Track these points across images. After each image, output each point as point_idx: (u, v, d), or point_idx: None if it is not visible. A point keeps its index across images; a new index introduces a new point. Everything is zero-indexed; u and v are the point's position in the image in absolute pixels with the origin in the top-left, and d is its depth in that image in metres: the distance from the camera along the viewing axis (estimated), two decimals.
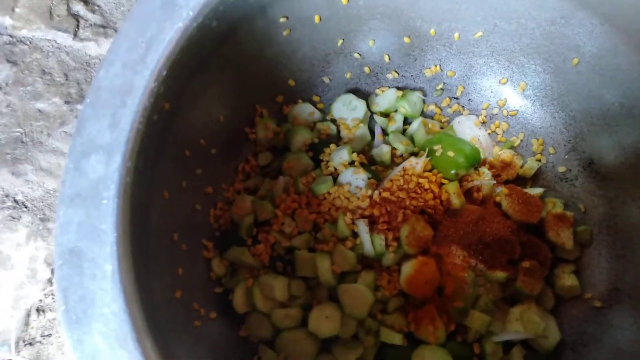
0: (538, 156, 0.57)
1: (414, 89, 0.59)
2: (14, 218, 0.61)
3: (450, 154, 0.52)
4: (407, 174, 0.51)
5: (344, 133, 0.57)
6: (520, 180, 0.57)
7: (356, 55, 0.57)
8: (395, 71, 0.59)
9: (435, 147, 0.53)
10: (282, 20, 0.50)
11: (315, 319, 0.48)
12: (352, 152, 0.54)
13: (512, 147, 0.57)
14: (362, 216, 0.50)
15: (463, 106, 0.59)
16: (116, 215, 0.31)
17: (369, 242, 0.49)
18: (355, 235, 0.50)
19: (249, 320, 0.51)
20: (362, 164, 0.54)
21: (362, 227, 0.49)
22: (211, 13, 0.36)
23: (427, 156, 0.53)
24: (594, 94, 0.51)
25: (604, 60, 0.48)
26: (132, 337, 0.29)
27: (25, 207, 0.62)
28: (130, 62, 0.33)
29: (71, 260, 0.30)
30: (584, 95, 0.52)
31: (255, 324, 0.50)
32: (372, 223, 0.50)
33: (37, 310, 0.60)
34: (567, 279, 0.52)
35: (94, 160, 0.32)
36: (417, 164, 0.52)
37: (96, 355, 0.29)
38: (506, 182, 0.56)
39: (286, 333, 0.49)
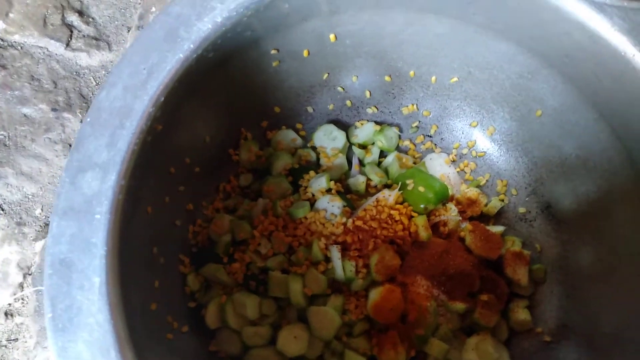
0: (501, 196, 0.61)
1: (391, 125, 0.63)
2: None
3: (421, 189, 0.56)
4: (380, 205, 0.54)
5: (323, 161, 0.60)
6: (484, 218, 0.61)
7: (340, 88, 0.61)
8: (375, 106, 0.62)
9: (408, 182, 0.56)
10: (273, 52, 0.53)
11: (284, 338, 0.50)
12: (330, 180, 0.57)
13: (478, 186, 0.61)
14: (336, 242, 0.53)
15: (435, 144, 0.63)
16: (107, 230, 0.33)
17: (340, 267, 0.52)
18: (327, 260, 0.53)
19: (220, 336, 0.52)
20: (338, 192, 0.57)
21: (335, 252, 0.52)
22: (210, 45, 0.39)
23: (399, 189, 0.56)
24: (554, 144, 0.55)
25: (564, 114, 0.53)
26: (115, 348, 0.31)
27: (2, 210, 0.62)
28: (131, 86, 0.35)
29: (61, 271, 0.31)
30: (545, 144, 0.56)
31: (226, 340, 0.52)
32: (344, 249, 0.53)
33: (6, 313, 0.60)
34: (521, 314, 0.55)
35: (90, 177, 0.33)
36: (389, 196, 0.55)
37: None
38: (470, 219, 0.60)
39: (255, 350, 0.51)
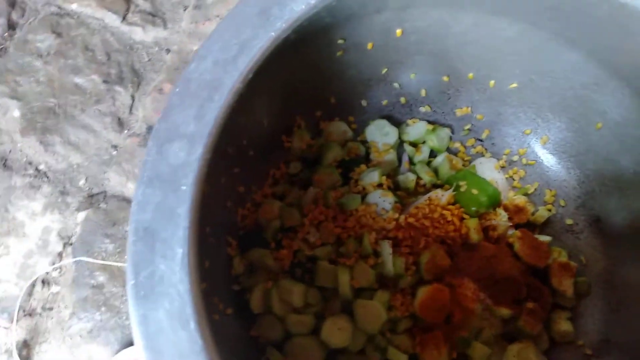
0: (549, 206, 0.60)
1: (443, 125, 0.63)
2: (33, 187, 0.61)
3: (474, 191, 0.55)
4: (433, 204, 0.54)
5: (374, 156, 0.60)
6: (529, 227, 0.60)
7: (396, 85, 0.60)
8: (429, 106, 0.62)
9: (461, 183, 0.56)
10: (340, 41, 0.53)
11: (328, 329, 0.50)
12: (382, 175, 0.57)
13: (526, 194, 0.61)
14: (387, 237, 0.53)
15: (486, 149, 0.63)
16: (191, 201, 0.32)
17: (391, 262, 0.51)
18: (376, 254, 0.52)
19: (262, 321, 0.52)
20: (389, 188, 0.57)
21: (386, 247, 0.52)
22: (298, 27, 0.39)
23: (452, 190, 0.56)
24: (611, 158, 0.55)
25: (627, 129, 0.52)
26: (194, 319, 0.30)
27: (47, 177, 0.62)
28: (222, 60, 0.35)
29: (145, 238, 0.31)
30: (602, 158, 0.56)
31: (268, 325, 0.52)
32: (395, 245, 0.53)
33: (43, 282, 0.59)
34: (563, 324, 0.55)
35: (177, 147, 0.33)
36: (442, 196, 0.55)
37: (159, 332, 0.30)
38: (516, 227, 0.59)
39: (297, 338, 0.51)
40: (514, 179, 0.62)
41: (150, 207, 0.32)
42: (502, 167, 0.62)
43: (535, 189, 0.61)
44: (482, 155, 0.63)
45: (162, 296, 0.31)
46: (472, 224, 0.54)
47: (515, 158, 0.62)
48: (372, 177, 0.56)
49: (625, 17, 0.42)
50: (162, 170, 0.33)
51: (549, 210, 0.60)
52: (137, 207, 0.32)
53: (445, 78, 0.60)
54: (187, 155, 0.33)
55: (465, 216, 0.55)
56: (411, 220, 0.53)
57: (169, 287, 0.31)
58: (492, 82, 0.59)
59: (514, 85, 0.58)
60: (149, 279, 0.31)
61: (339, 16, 0.47)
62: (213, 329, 0.46)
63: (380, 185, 0.56)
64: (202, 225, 0.48)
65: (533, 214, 0.60)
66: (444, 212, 0.54)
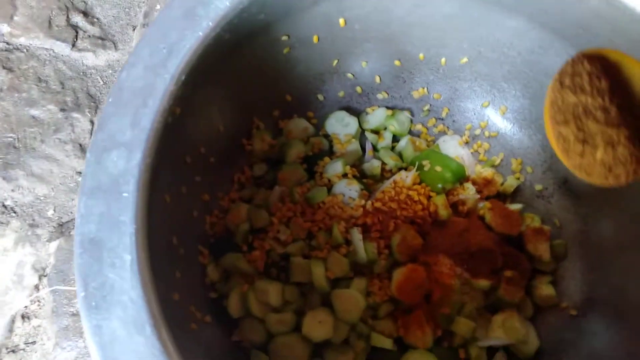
0: (517, 175, 0.61)
1: (402, 109, 0.63)
2: (2, 223, 0.61)
3: (438, 169, 0.55)
4: (398, 186, 0.54)
5: (337, 147, 0.60)
6: (500, 197, 0.60)
7: (349, 75, 0.61)
8: (386, 92, 0.62)
9: (424, 162, 0.56)
10: (283, 38, 0.53)
11: (308, 324, 0.50)
12: (346, 165, 0.57)
13: (493, 166, 0.61)
14: (356, 225, 0.53)
15: (448, 126, 0.63)
16: (135, 207, 0.32)
17: (362, 249, 0.51)
18: (348, 243, 0.52)
19: (243, 325, 0.52)
20: (354, 176, 0.57)
21: (356, 234, 0.51)
22: (226, 25, 0.39)
23: (416, 170, 0.56)
24: None
25: None
26: (150, 323, 0.30)
27: (14, 212, 0.62)
28: (152, 65, 0.35)
29: (91, 249, 0.31)
30: None
31: (249, 328, 0.51)
32: (365, 231, 0.52)
33: (22, 316, 0.59)
34: (545, 289, 0.55)
35: (115, 156, 0.33)
36: (407, 177, 0.55)
37: (114, 340, 0.30)
38: (487, 198, 0.59)
39: (279, 338, 0.51)
40: (479, 153, 0.62)
41: (94, 218, 0.32)
42: (466, 143, 0.62)
43: (501, 160, 0.62)
44: (445, 133, 0.63)
45: (114, 305, 0.30)
46: (440, 200, 0.54)
47: (478, 132, 0.62)
48: (336, 167, 0.56)
49: None
50: (102, 180, 0.33)
51: (518, 178, 0.61)
52: (81, 219, 0.32)
53: (397, 62, 0.60)
54: (126, 163, 0.33)
55: (432, 194, 0.55)
56: (378, 204, 0.53)
57: (121, 295, 0.31)
58: (443, 60, 0.59)
59: (465, 60, 0.59)
60: (99, 289, 0.30)
61: (276, 12, 0.48)
62: (190, 339, 0.46)
63: (345, 175, 0.56)
64: (166, 236, 0.47)
65: (502, 184, 0.60)
66: (410, 192, 0.54)
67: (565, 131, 0.38)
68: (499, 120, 0.61)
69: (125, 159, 0.33)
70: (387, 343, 0.50)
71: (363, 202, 0.53)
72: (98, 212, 0.32)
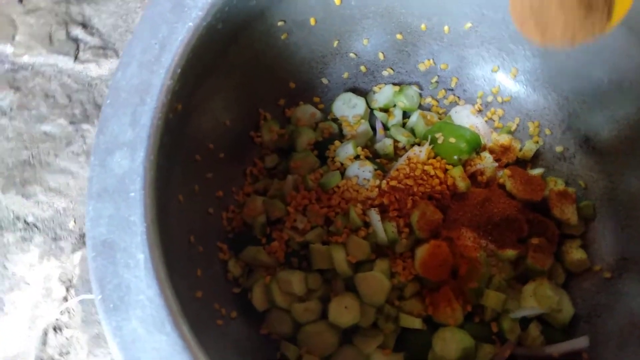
0: (535, 138, 0.58)
1: (410, 84, 0.61)
2: (25, 239, 0.62)
3: (452, 140, 0.54)
4: (412, 163, 0.53)
5: (347, 130, 0.59)
6: (520, 163, 0.58)
7: (352, 55, 0.59)
8: (391, 68, 0.61)
9: (437, 135, 0.55)
10: (279, 24, 0.52)
11: (335, 310, 0.49)
12: (357, 146, 0.56)
13: (509, 132, 0.59)
14: (372, 206, 0.51)
15: (459, 97, 0.61)
16: (144, 206, 0.32)
17: (382, 229, 0.50)
18: (367, 225, 0.51)
19: (269, 317, 0.51)
20: (367, 157, 0.55)
21: (374, 216, 0.50)
22: (218, 14, 0.38)
23: (429, 144, 0.54)
24: (583, 73, 0.53)
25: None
26: (169, 321, 0.30)
27: (37, 227, 0.62)
28: (146, 62, 0.35)
29: (104, 252, 0.31)
30: (574, 75, 0.54)
31: (276, 320, 0.51)
32: (383, 212, 0.51)
33: (54, 328, 0.60)
34: (576, 253, 0.53)
35: (119, 157, 0.33)
36: (420, 152, 0.53)
37: (135, 340, 0.29)
38: (506, 166, 0.58)
39: (307, 327, 0.50)
40: (493, 120, 0.60)
41: (103, 220, 0.32)
42: (479, 111, 0.60)
43: (517, 125, 0.60)
44: (456, 104, 0.61)
45: (132, 305, 0.30)
46: (457, 172, 0.53)
47: (490, 99, 0.60)
48: (347, 150, 0.55)
49: None
50: (108, 182, 0.32)
51: (536, 142, 0.59)
52: (91, 223, 0.32)
53: (399, 36, 0.59)
54: (131, 162, 0.33)
55: (448, 167, 0.54)
56: (394, 183, 0.52)
57: (138, 295, 0.30)
58: (446, 28, 0.58)
59: (469, 25, 0.57)
60: (116, 291, 0.30)
61: None
62: (217, 335, 0.46)
63: (357, 157, 0.55)
64: (183, 236, 0.47)
65: (521, 149, 0.58)
66: (426, 167, 0.53)
67: None
68: (510, 84, 0.59)
69: (129, 159, 0.33)
70: (416, 323, 0.49)
71: (378, 182, 0.52)
72: (107, 214, 0.32)
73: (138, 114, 0.34)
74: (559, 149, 0.58)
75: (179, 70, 0.36)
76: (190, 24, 0.36)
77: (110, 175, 0.32)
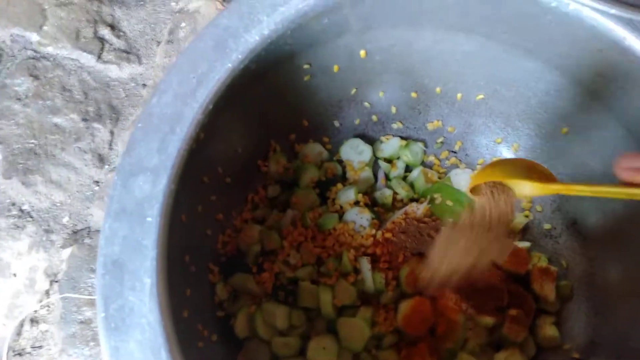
0: (526, 212, 0.61)
1: (416, 140, 0.64)
2: (17, 227, 0.62)
3: (449, 203, 0.56)
4: (409, 218, 0.55)
5: (350, 174, 0.61)
6: (509, 233, 0.61)
7: (366, 104, 0.62)
8: (401, 122, 0.63)
9: (435, 196, 0.57)
10: (305, 66, 0.54)
11: (313, 349, 0.50)
12: (358, 192, 0.58)
13: None
14: (365, 254, 0.53)
15: (460, 160, 0.64)
16: (158, 232, 0.33)
17: (370, 279, 0.52)
18: (357, 271, 0.53)
19: (249, 346, 0.52)
20: (366, 204, 0.57)
21: (365, 264, 0.52)
22: (255, 57, 0.40)
23: (427, 203, 0.56)
24: (580, 161, 0.56)
25: (591, 131, 0.53)
26: (166, 348, 0.31)
27: (31, 217, 0.63)
28: (182, 94, 0.36)
29: (113, 271, 0.32)
30: (571, 161, 0.57)
31: (255, 350, 0.52)
32: (374, 261, 0.53)
33: (31, 320, 0.60)
34: (548, 330, 0.55)
35: (141, 180, 0.34)
36: (418, 209, 0.56)
37: None
38: None
39: None
40: None
41: (117, 240, 0.33)
42: None
43: None
44: (457, 166, 0.64)
45: (132, 327, 0.31)
46: None
47: None
48: (349, 195, 0.57)
49: (570, 25, 0.44)
50: (127, 203, 0.34)
51: (527, 216, 0.61)
52: (105, 241, 0.33)
53: (413, 94, 0.61)
54: (152, 188, 0.34)
55: (442, 227, 0.56)
56: (388, 235, 0.54)
57: (140, 318, 0.31)
58: (459, 95, 0.61)
59: (481, 96, 0.60)
60: (119, 311, 0.31)
61: (301, 43, 0.49)
62: (196, 357, 0.46)
63: (357, 203, 0.57)
64: (179, 254, 0.48)
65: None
66: (421, 225, 0.55)
67: None
68: (511, 157, 0.62)
69: (151, 184, 0.34)
70: None
71: (374, 231, 0.54)
72: (122, 234, 0.33)
73: (166, 141, 0.35)
74: (547, 226, 0.60)
75: (210, 107, 0.37)
76: (229, 65, 0.38)
77: (130, 197, 0.34)
